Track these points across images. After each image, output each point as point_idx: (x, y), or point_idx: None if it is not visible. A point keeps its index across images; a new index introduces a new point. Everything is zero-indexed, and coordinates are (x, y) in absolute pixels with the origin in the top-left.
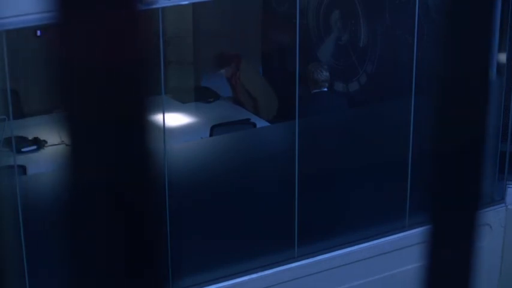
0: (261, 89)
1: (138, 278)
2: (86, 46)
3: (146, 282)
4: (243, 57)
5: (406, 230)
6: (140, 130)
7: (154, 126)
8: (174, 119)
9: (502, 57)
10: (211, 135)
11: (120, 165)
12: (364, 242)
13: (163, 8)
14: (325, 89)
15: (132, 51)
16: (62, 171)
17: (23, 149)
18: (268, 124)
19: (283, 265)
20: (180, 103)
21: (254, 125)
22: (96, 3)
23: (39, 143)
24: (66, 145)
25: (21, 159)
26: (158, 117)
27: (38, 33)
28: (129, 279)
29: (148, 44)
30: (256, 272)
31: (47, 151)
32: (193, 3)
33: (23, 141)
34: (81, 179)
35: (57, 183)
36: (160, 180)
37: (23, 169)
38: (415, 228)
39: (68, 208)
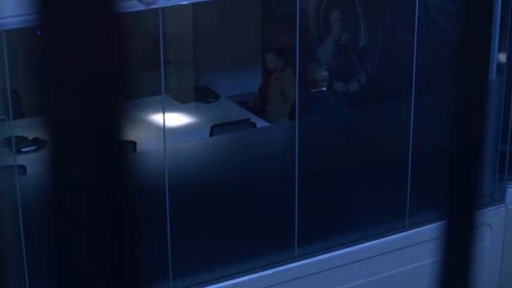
0: (292, 95)
1: (117, 279)
2: (63, 48)
3: (125, 283)
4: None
5: (406, 230)
6: (114, 132)
7: (130, 128)
8: (174, 119)
9: (502, 57)
10: (211, 135)
11: (95, 166)
12: (364, 242)
13: (163, 8)
14: (325, 89)
15: (108, 53)
16: (44, 172)
17: (23, 149)
18: (268, 124)
19: (283, 265)
20: (180, 103)
21: (254, 125)
22: (74, 6)
23: (39, 143)
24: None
25: (21, 159)
26: (158, 117)
27: (38, 33)
28: (109, 279)
29: (125, 47)
30: (256, 272)
31: (47, 151)
32: (193, 3)
33: (23, 141)
34: (58, 180)
35: (41, 185)
36: (137, 182)
37: (23, 169)
38: (415, 228)
39: (49, 209)
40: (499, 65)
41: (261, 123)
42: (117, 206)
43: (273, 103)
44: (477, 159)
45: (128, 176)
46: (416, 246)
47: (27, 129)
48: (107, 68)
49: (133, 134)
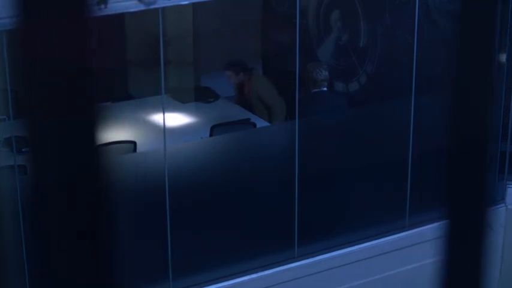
0: (274, 97)
1: (89, 278)
2: (41, 49)
3: (98, 283)
4: (252, 65)
5: (406, 230)
6: (88, 134)
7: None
8: (174, 119)
9: (502, 57)
10: (211, 135)
11: (70, 167)
12: (364, 242)
13: (163, 8)
14: (325, 89)
15: (78, 55)
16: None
17: (23, 149)
18: (268, 124)
19: (283, 265)
20: (180, 103)
21: (254, 125)
22: (48, 9)
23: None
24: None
25: (21, 159)
26: (158, 117)
27: None
28: (81, 279)
29: (90, 50)
30: (256, 272)
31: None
32: (193, 3)
33: (23, 141)
34: (36, 179)
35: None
36: (112, 185)
37: (23, 169)
38: (415, 228)
39: (30, 207)
40: (499, 65)
41: (261, 123)
42: (90, 206)
43: (263, 113)
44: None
45: (100, 176)
46: (416, 246)
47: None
48: (78, 69)
49: (134, 134)
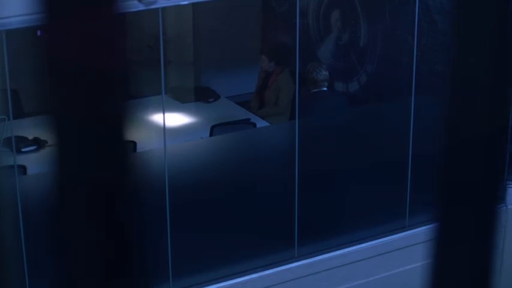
0: (288, 99)
1: (119, 278)
2: (67, 48)
3: (127, 281)
4: (287, 64)
5: (406, 230)
6: (118, 131)
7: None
8: (174, 119)
9: None
10: (211, 135)
11: (99, 165)
12: (364, 242)
13: (163, 8)
14: (325, 89)
15: (107, 52)
16: (50, 170)
17: (23, 149)
18: (268, 124)
19: (283, 265)
20: (180, 103)
21: (254, 125)
22: (78, 6)
23: (39, 143)
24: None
25: (21, 159)
26: (158, 117)
27: (38, 33)
28: (111, 278)
29: (123, 46)
30: (256, 272)
31: (47, 151)
32: (193, 3)
33: (23, 141)
34: (64, 178)
35: (46, 183)
36: (140, 180)
37: (23, 169)
38: (415, 228)
39: (54, 207)
40: None
41: (261, 123)
42: (119, 205)
43: (267, 105)
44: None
45: (130, 175)
46: (416, 246)
47: (27, 129)
48: (109, 68)
49: (134, 134)
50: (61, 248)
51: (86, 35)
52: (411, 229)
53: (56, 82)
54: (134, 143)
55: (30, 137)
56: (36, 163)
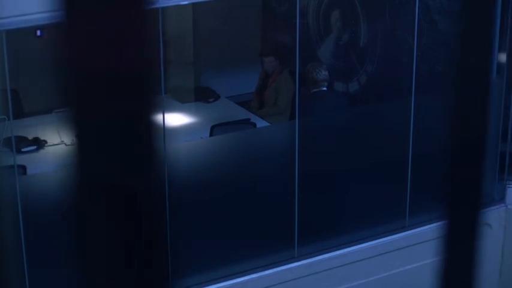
0: (287, 99)
1: (140, 277)
2: (88, 46)
3: (148, 281)
4: (286, 67)
5: (406, 230)
6: (145, 129)
7: (157, 125)
8: (174, 119)
9: (502, 57)
10: (211, 135)
11: (125, 164)
12: (364, 242)
13: (163, 8)
14: (325, 89)
15: (135, 51)
16: (67, 169)
17: (23, 149)
18: (268, 124)
19: (283, 265)
20: (180, 103)
21: (254, 125)
22: (98, 3)
23: (39, 143)
24: (67, 145)
25: (21, 159)
26: (158, 117)
27: (38, 33)
28: (132, 277)
29: (151, 44)
30: (256, 272)
31: (47, 151)
32: (193, 3)
33: (23, 141)
34: (86, 178)
35: (63, 182)
36: (163, 180)
37: (23, 169)
38: (415, 228)
39: (74, 206)
40: (499, 65)
41: (261, 123)
42: (144, 206)
43: (267, 105)
44: (479, 159)
45: (157, 176)
46: (416, 246)
47: (27, 129)
48: (135, 67)
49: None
50: (81, 248)
51: (109, 34)
52: (411, 229)
53: (78, 82)
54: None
55: (30, 137)
56: (36, 163)
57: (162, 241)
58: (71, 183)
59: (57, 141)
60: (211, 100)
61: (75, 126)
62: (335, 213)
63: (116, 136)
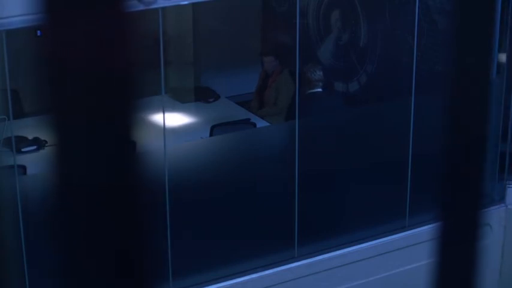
0: (287, 99)
1: (125, 278)
2: (74, 47)
3: (133, 282)
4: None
5: (406, 230)
6: (126, 131)
7: (142, 127)
8: (174, 119)
9: (502, 57)
10: (211, 135)
11: (107, 166)
12: (364, 242)
13: (163, 8)
14: (320, 90)
15: (114, 52)
16: (51, 171)
17: (23, 149)
18: (268, 124)
19: (283, 265)
20: (180, 103)
21: (254, 125)
22: (84, 5)
23: (39, 143)
24: (54, 146)
25: (21, 159)
26: (158, 117)
27: (38, 33)
28: (116, 278)
29: (131, 45)
30: (256, 272)
31: (47, 151)
32: (193, 3)
33: (23, 141)
34: (68, 180)
35: (47, 184)
36: (148, 181)
37: (23, 169)
38: (415, 228)
39: (56, 208)
40: (499, 65)
41: (261, 123)
42: (124, 206)
43: (267, 105)
44: (478, 159)
45: (135, 176)
46: (416, 246)
47: (27, 129)
48: (114, 68)
49: (133, 134)
50: (63, 249)
51: (90, 34)
52: (411, 229)
53: (59, 83)
54: (134, 143)
55: (30, 137)
56: (36, 163)
57: (144, 242)
58: (52, 185)
59: None
60: (211, 100)
61: (54, 127)
62: (335, 213)
63: (95, 137)
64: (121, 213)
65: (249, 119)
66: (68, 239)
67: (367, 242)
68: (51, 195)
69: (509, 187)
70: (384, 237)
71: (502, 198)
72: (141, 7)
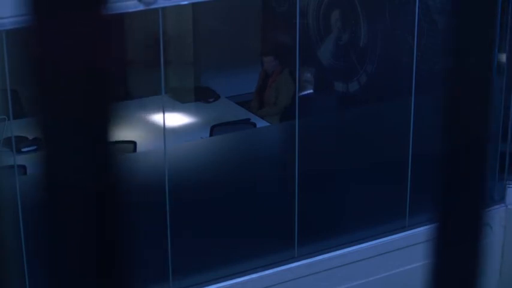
0: (287, 99)
1: (103, 277)
2: (50, 48)
3: (112, 281)
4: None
5: (406, 230)
6: (104, 133)
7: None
8: (174, 119)
9: (502, 57)
10: (211, 135)
11: (84, 166)
12: (364, 242)
13: (163, 8)
14: (311, 91)
15: (95, 53)
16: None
17: (23, 149)
18: (268, 124)
19: (283, 265)
20: (180, 103)
21: (254, 125)
22: (65, 7)
23: (39, 143)
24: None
25: (21, 159)
26: (158, 117)
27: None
28: (96, 278)
29: (111, 46)
30: (256, 272)
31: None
32: (193, 3)
33: (23, 141)
34: (49, 179)
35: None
36: (126, 183)
37: (23, 169)
38: (415, 228)
39: (41, 207)
40: (499, 65)
41: (261, 123)
42: (107, 206)
43: (267, 105)
44: (479, 159)
45: (117, 176)
46: (416, 246)
47: (27, 129)
48: (96, 69)
49: (134, 134)
50: (50, 249)
51: (70, 36)
52: (411, 229)
53: (41, 83)
54: (134, 143)
55: (30, 137)
56: (36, 163)
57: (122, 241)
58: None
59: None
60: (211, 100)
61: (40, 128)
62: (335, 213)
63: (75, 137)
64: (96, 212)
65: (249, 119)
66: (51, 237)
67: (367, 242)
68: (39, 194)
69: (509, 187)
70: (383, 237)
71: (502, 198)
72: (141, 7)
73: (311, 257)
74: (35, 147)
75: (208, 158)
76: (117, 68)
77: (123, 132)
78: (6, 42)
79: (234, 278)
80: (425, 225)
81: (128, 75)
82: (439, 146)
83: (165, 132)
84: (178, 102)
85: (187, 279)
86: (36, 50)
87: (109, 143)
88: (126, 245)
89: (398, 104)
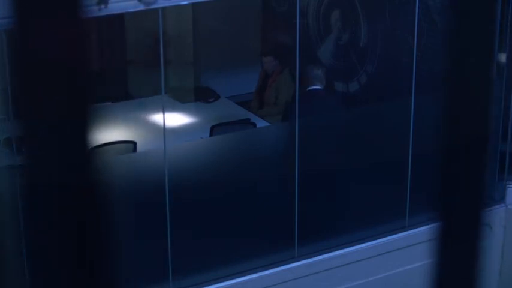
0: (286, 98)
1: (85, 278)
2: (33, 49)
3: (93, 281)
4: (286, 66)
5: (406, 230)
6: (81, 134)
7: (96, 130)
8: (174, 119)
9: (502, 57)
10: (211, 135)
11: (62, 166)
12: (364, 242)
13: (163, 8)
14: (318, 87)
15: (74, 56)
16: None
17: (23, 149)
18: (268, 124)
19: (283, 265)
20: (180, 103)
21: (254, 125)
22: (42, 10)
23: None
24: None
25: (21, 159)
26: (158, 117)
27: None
28: (78, 279)
29: (88, 50)
30: (256, 272)
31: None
32: (193, 3)
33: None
34: (29, 178)
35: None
36: (104, 184)
37: (22, 169)
38: (415, 228)
39: (23, 206)
40: (499, 65)
41: (261, 123)
42: (82, 206)
43: (267, 105)
44: (481, 159)
45: (92, 176)
46: (416, 246)
47: None
48: (73, 70)
49: (134, 134)
50: (31, 248)
51: (49, 37)
52: (411, 229)
53: (22, 84)
54: (134, 143)
55: None
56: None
57: (103, 241)
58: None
59: None
60: (211, 100)
61: (21, 127)
62: (335, 213)
63: (51, 135)
64: (79, 213)
65: (249, 119)
66: (33, 235)
67: (367, 242)
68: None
69: (509, 187)
70: (384, 237)
71: (502, 198)
72: (141, 7)
73: (311, 257)
74: None
75: (208, 158)
76: (117, 68)
77: (123, 132)
78: (6, 42)
79: (234, 278)
80: (425, 225)
81: (127, 75)
82: (439, 146)
83: (165, 132)
84: (178, 102)
85: (187, 279)
86: (17, 50)
87: (87, 144)
88: (108, 244)
89: (398, 104)
